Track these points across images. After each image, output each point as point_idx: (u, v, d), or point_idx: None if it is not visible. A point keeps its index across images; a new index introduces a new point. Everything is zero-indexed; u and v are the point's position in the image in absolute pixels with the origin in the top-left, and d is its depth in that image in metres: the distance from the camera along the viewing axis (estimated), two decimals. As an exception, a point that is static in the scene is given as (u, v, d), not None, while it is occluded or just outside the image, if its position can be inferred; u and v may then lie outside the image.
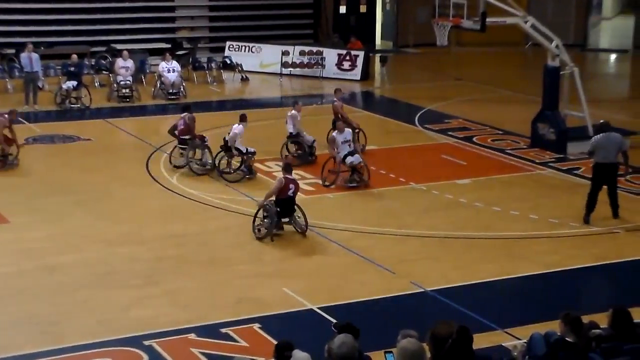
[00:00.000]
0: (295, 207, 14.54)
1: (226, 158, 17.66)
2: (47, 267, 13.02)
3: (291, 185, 14.42)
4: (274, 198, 14.33)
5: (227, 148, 17.52)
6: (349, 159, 17.05)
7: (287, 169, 14.72)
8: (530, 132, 20.52)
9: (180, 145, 18.09)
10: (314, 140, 18.78)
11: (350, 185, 17.09)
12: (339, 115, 19.45)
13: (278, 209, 14.25)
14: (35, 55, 24.05)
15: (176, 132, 18.16)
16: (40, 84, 24.60)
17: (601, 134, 15.48)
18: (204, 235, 14.52)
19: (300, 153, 18.88)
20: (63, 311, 11.54)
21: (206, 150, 17.96)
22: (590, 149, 15.57)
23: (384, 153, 19.70)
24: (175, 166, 18.08)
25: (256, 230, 14.34)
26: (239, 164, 17.57)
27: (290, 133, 18.70)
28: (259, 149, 17.78)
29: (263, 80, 29.47)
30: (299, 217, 14.54)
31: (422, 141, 21.07)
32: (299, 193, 14.70)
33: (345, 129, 17.66)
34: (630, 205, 16.20)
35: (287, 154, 18.84)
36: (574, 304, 10.33)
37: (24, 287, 12.35)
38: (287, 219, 14.50)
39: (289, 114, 18.70)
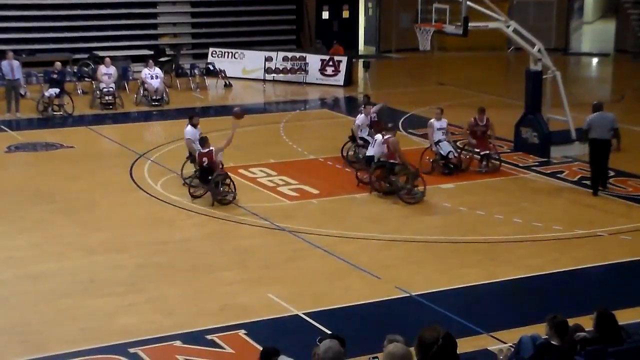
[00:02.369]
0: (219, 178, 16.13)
1: (353, 148, 18.89)
2: (29, 275, 12.92)
3: (204, 158, 16.11)
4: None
5: (352, 138, 18.78)
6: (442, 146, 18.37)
7: (201, 143, 16.43)
8: (513, 136, 20.59)
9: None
10: None
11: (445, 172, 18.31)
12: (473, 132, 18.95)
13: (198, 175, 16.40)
14: (16, 63, 23.94)
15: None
16: (22, 92, 24.48)
17: (596, 113, 17.11)
18: (188, 242, 14.47)
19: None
20: (46, 320, 11.46)
21: None
22: (586, 126, 17.12)
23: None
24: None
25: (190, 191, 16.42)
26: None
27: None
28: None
29: (246, 87, 29.45)
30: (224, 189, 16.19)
31: (406, 146, 21.00)
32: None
33: (442, 118, 18.79)
34: (613, 208, 16.28)
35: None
36: (558, 307, 10.33)
37: (6, 296, 12.26)
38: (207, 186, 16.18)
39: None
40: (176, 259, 13.65)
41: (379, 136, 17.29)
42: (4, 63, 23.90)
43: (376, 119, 19.54)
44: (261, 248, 14.32)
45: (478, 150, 18.72)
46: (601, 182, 17.11)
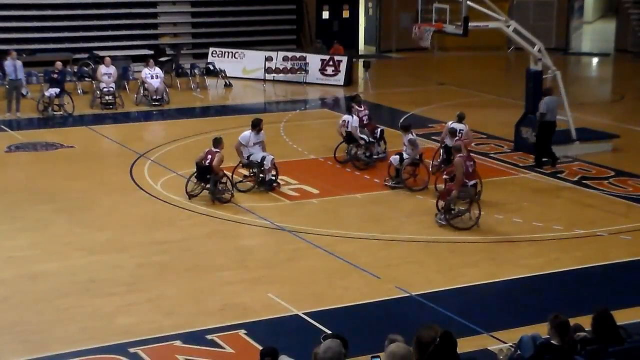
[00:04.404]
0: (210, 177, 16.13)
1: (355, 148, 18.83)
2: (30, 275, 12.92)
3: (208, 156, 16.22)
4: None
5: (351, 139, 18.74)
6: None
7: (214, 142, 16.42)
8: (513, 136, 20.58)
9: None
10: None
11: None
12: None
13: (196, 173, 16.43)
14: (19, 63, 23.91)
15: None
16: (23, 92, 24.48)
17: (548, 97, 18.74)
18: (188, 241, 14.46)
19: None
20: (46, 320, 11.46)
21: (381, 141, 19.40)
22: (543, 110, 18.56)
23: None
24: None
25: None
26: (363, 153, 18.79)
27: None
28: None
29: (246, 86, 29.44)
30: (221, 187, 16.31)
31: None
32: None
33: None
34: (613, 208, 16.28)
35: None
36: (558, 307, 10.31)
37: (6, 295, 12.25)
38: (207, 185, 16.28)
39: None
40: (176, 259, 13.64)
41: (409, 137, 17.42)
42: (7, 63, 23.88)
43: (368, 121, 19.57)
44: (261, 248, 14.33)
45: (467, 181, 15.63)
46: (552, 162, 18.67)
